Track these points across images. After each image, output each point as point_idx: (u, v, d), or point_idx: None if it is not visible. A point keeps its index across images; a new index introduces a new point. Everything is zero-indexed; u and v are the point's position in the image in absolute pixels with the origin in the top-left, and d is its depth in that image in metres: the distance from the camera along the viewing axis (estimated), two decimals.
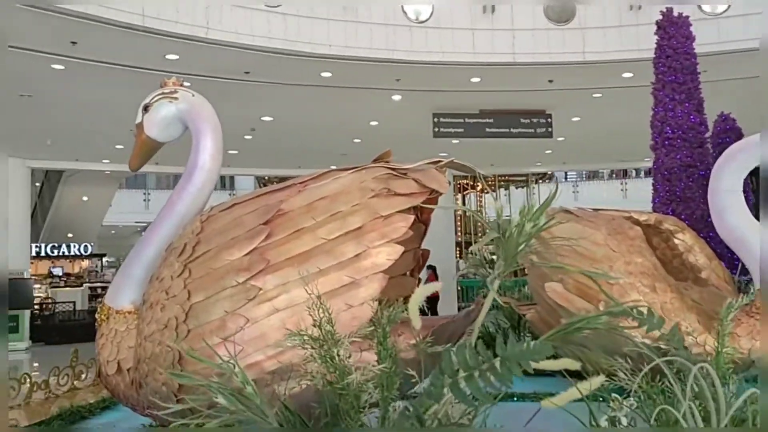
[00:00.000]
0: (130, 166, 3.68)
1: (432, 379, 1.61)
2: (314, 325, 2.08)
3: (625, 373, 1.73)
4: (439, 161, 3.17)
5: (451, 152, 15.83)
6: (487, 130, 13.34)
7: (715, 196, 4.23)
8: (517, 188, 29.70)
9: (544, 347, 1.48)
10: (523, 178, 28.84)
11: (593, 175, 32.67)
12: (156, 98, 3.55)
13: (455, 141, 14.15)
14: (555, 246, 4.52)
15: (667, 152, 6.25)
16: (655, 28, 6.57)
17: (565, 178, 31.50)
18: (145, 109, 3.56)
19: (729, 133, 6.95)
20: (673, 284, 4.15)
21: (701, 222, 5.88)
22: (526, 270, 5.05)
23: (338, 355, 1.90)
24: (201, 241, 3.00)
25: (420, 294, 1.83)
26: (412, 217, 2.95)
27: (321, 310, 2.10)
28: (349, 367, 1.88)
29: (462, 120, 13.22)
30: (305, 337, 2.02)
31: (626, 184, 32.18)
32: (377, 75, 10.92)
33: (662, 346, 4.01)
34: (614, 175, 32.42)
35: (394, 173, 3.06)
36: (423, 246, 3.57)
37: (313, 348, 1.98)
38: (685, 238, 4.74)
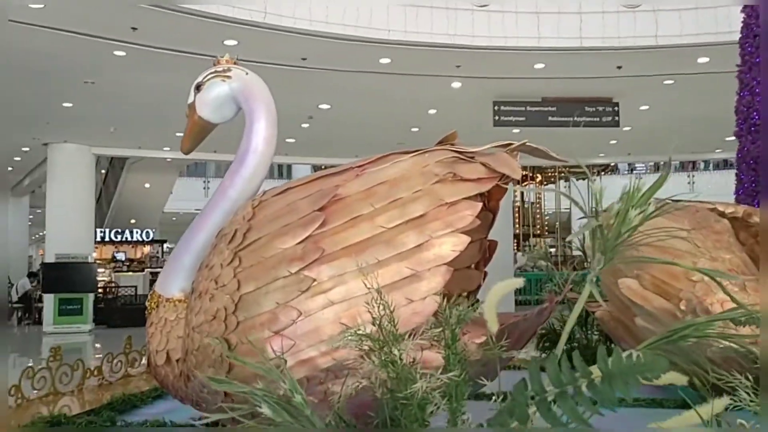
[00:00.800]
0: (182, 148, 3.54)
1: (514, 394, 1.37)
2: (373, 323, 1.86)
3: (747, 392, 1.44)
4: (510, 144, 2.90)
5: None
6: (550, 119, 12.87)
7: None
8: (578, 180, 28.90)
9: (659, 361, 1.21)
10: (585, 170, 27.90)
11: (659, 168, 31.49)
12: (208, 77, 3.39)
13: (516, 130, 13.73)
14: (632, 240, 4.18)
15: (753, 139, 5.76)
16: (740, 6, 6.08)
17: (630, 171, 30.47)
18: (198, 88, 3.40)
19: None
20: None
21: None
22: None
23: (400, 359, 1.67)
24: (252, 228, 2.82)
25: (498, 291, 1.59)
26: (479, 205, 2.69)
27: (380, 306, 1.87)
28: (412, 374, 1.65)
29: (524, 108, 12.79)
30: (362, 336, 1.79)
31: (693, 176, 30.90)
32: (437, 61, 10.62)
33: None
34: (682, 168, 31.20)
35: (460, 157, 2.80)
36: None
37: (371, 350, 1.75)
38: None
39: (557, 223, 29.05)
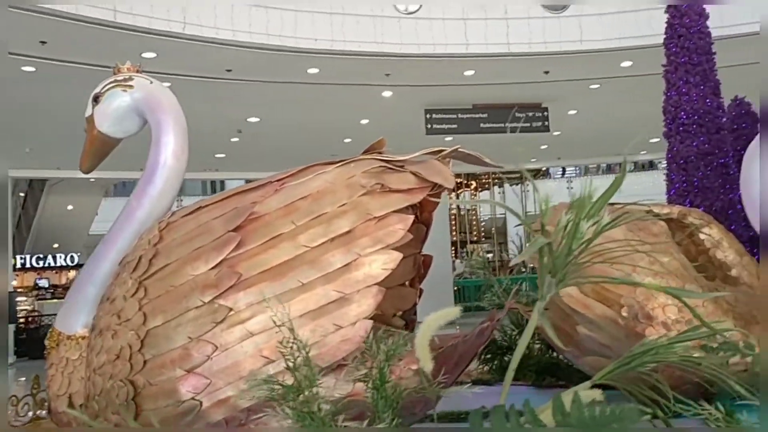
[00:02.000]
0: (81, 167, 3.19)
1: None
2: (288, 368, 1.60)
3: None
4: (442, 150, 2.69)
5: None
6: (482, 125, 12.92)
7: (748, 187, 3.76)
8: (511, 185, 29.32)
9: (631, 412, 1.00)
10: (518, 175, 28.52)
11: (587, 171, 32.27)
12: (108, 87, 3.05)
13: (448, 138, 13.73)
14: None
15: (682, 139, 5.78)
16: (663, 7, 6.13)
17: (562, 174, 31.12)
18: (96, 99, 3.06)
19: (745, 118, 6.47)
20: (705, 285, 3.69)
21: (721, 214, 5.43)
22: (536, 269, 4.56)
23: (319, 408, 1.42)
24: (159, 253, 2.51)
25: (431, 324, 1.36)
26: (411, 218, 2.47)
27: (294, 344, 1.61)
28: (334, 427, 1.40)
29: (455, 115, 12.79)
30: (273, 384, 1.53)
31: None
32: (366, 70, 10.45)
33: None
34: (609, 170, 32.03)
35: (389, 166, 2.58)
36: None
37: (287, 403, 1.49)
38: (712, 233, 4.26)
39: (493, 229, 29.34)
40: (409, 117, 12.66)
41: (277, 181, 2.61)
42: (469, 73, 10.98)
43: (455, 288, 19.17)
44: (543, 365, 4.98)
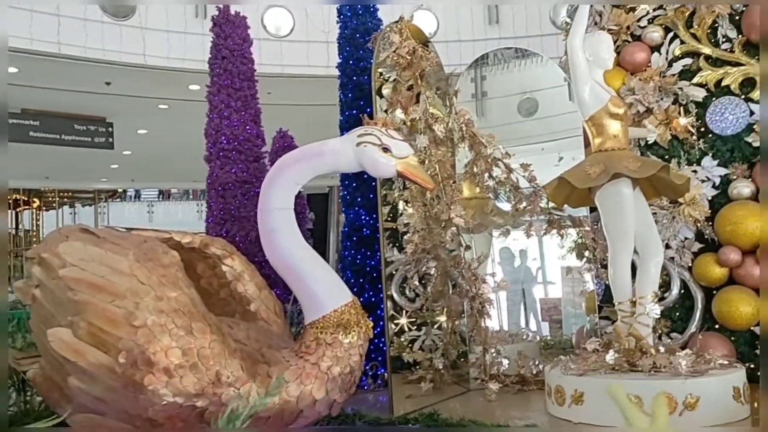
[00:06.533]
0: None
1: None
2: None
3: None
4: None
5: None
6: (32, 134, 11.26)
7: (264, 215, 3.56)
8: (84, 206, 26.94)
9: None
10: (91, 195, 26.42)
11: (170, 196, 31.61)
12: None
13: None
14: (65, 276, 3.32)
15: (221, 165, 5.53)
16: (211, 24, 5.89)
17: (159, 197, 29.90)
18: None
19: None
20: (215, 323, 3.33)
21: (257, 245, 5.31)
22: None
23: None
24: None
25: None
26: None
27: None
28: None
29: None
30: None
31: (202, 205, 31.92)
32: None
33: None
34: (193, 196, 31.81)
35: None
36: None
37: None
38: (234, 264, 4.00)
39: None
40: None
41: None
42: (12, 70, 9.34)
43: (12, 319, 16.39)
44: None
